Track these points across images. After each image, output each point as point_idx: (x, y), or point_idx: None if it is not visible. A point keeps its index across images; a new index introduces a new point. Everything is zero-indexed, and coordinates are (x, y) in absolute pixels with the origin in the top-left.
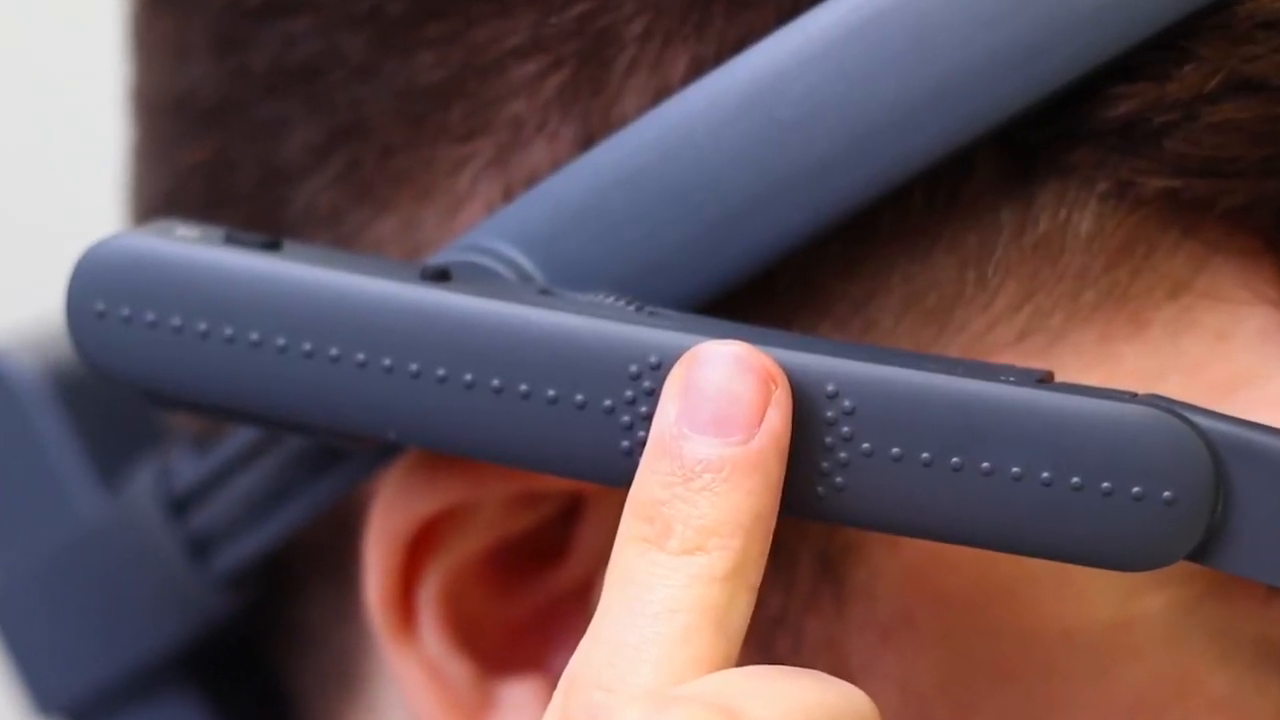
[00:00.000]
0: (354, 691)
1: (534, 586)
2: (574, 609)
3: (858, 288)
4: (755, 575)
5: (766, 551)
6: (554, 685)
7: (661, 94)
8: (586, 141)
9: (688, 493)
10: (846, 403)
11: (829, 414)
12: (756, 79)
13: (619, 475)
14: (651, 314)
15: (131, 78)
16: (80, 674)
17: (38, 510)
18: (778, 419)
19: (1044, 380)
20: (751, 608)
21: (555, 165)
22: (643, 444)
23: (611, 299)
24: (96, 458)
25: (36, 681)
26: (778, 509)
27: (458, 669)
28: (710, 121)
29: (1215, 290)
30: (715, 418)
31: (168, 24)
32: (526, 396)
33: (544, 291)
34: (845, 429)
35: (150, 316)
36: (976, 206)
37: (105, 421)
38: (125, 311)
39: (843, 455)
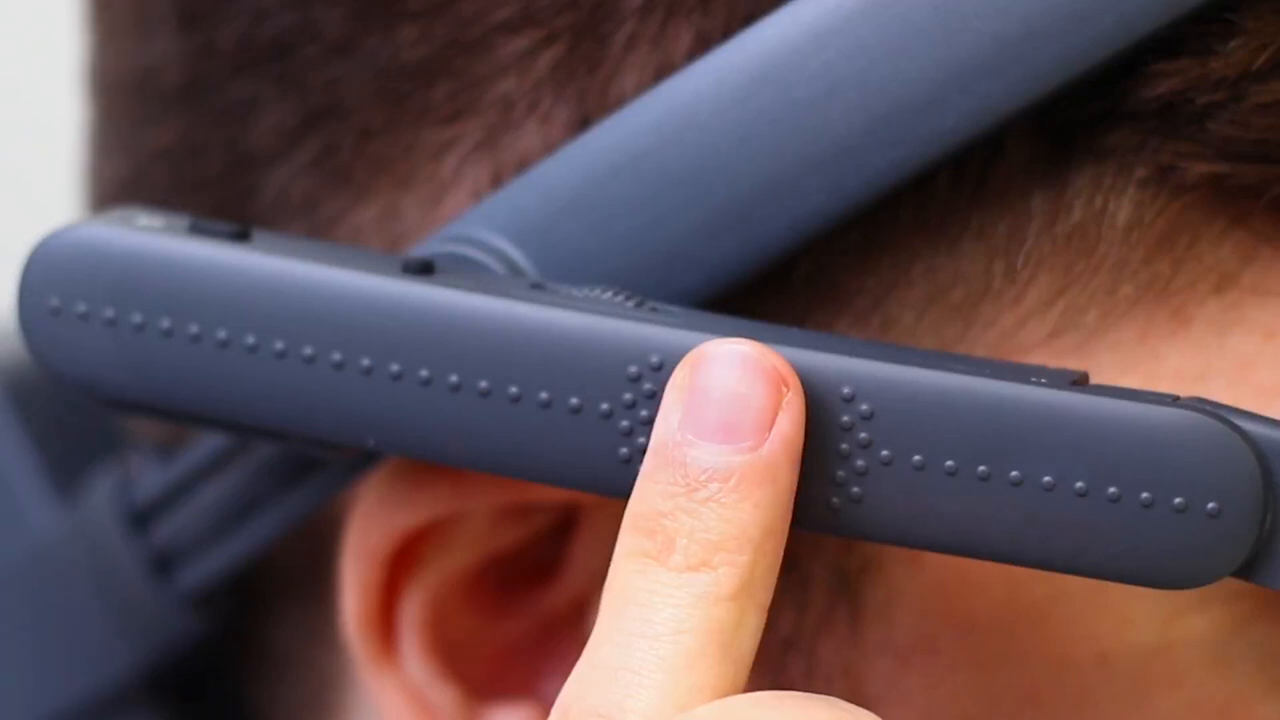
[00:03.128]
0: (331, 719)
1: (524, 606)
2: (567, 630)
3: (877, 281)
4: (765, 594)
5: (777, 568)
6: (546, 713)
7: (663, 71)
8: (582, 123)
9: (692, 504)
10: (864, 406)
11: (845, 419)
12: (768, 54)
13: (617, 485)
14: (653, 310)
15: (88, 54)
16: (33, 703)
17: None
18: (789, 424)
19: (1078, 382)
20: (761, 629)
21: (548, 149)
22: (643, 451)
23: (609, 294)
24: (50, 467)
25: None
26: (789, 522)
27: (442, 695)
28: (718, 100)
29: (1264, 285)
30: (722, 423)
31: None
32: (517, 400)
33: (536, 286)
34: (862, 435)
35: (109, 313)
36: (1006, 193)
37: (60, 427)
38: (81, 308)
39: (860, 463)
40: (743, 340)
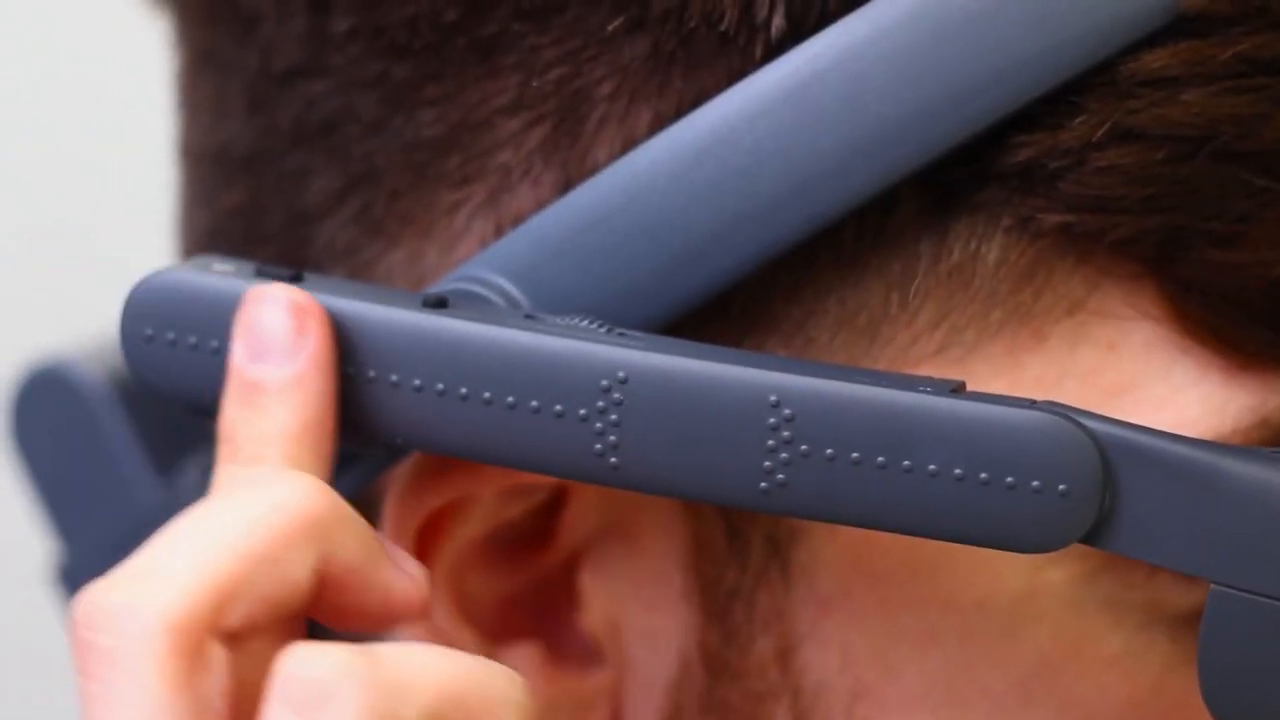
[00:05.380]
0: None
1: (526, 565)
2: (560, 584)
3: (799, 309)
4: (320, 472)
5: (327, 455)
6: (546, 651)
7: (629, 144)
8: (565, 185)
9: (247, 411)
10: (787, 411)
11: (772, 420)
12: (711, 131)
13: (594, 474)
14: (621, 335)
15: (177, 129)
16: None
17: (103, 498)
18: (314, 344)
19: (957, 390)
20: (317, 498)
21: (539, 206)
22: (614, 448)
23: (586, 322)
24: (153, 453)
25: None
26: (331, 418)
27: (462, 636)
28: (671, 168)
29: (1105, 308)
30: (263, 347)
31: (208, 85)
32: (513, 407)
33: (529, 316)
34: (786, 433)
35: (191, 340)
36: (900, 239)
37: (160, 422)
38: (170, 336)
39: (784, 455)
40: (278, 285)
